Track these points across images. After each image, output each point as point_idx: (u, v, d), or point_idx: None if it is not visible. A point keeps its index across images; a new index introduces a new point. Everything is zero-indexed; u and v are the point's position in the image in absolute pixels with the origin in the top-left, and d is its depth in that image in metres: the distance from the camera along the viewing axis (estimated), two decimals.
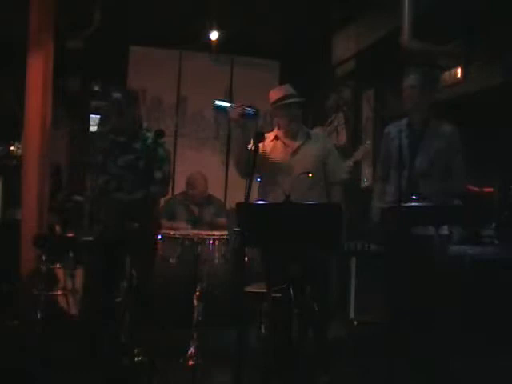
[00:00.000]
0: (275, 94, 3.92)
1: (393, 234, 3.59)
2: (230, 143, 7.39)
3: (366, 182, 6.35)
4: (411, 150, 3.70)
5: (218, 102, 3.77)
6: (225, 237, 4.29)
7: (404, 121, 3.83)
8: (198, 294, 4.17)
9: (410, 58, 5.64)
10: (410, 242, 3.48)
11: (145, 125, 4.11)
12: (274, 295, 3.54)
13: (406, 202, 3.41)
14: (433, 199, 3.51)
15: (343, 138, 7.04)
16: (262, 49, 7.30)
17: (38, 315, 4.89)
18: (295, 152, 3.87)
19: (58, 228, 5.62)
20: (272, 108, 3.95)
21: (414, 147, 3.70)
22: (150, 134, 4.00)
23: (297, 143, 3.90)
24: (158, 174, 3.99)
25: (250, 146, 3.74)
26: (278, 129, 3.96)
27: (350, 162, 4.16)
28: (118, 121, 4.00)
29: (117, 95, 3.95)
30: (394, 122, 3.90)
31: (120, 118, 3.98)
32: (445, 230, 3.67)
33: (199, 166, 6.35)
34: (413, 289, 3.51)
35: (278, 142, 3.93)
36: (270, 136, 3.91)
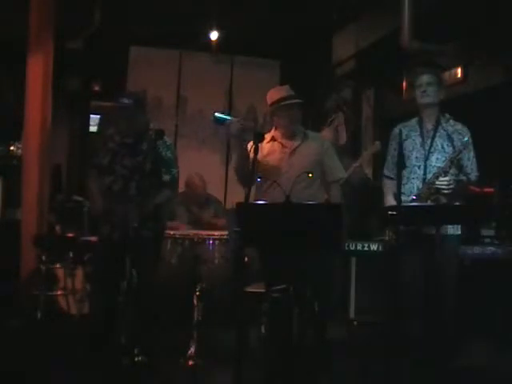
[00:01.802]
0: (275, 95, 3.90)
1: (401, 233, 3.59)
2: (229, 143, 7.39)
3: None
4: (427, 149, 3.72)
5: (217, 114, 3.73)
6: (225, 237, 4.29)
7: (414, 120, 3.83)
8: (197, 293, 4.18)
9: (409, 58, 5.65)
10: (420, 241, 3.51)
11: (151, 125, 4.11)
12: (273, 295, 3.54)
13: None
14: (452, 197, 3.55)
15: (343, 138, 7.05)
16: (262, 49, 7.31)
17: (38, 315, 4.89)
18: (293, 152, 3.87)
19: (57, 228, 5.62)
20: (271, 108, 3.92)
21: (430, 145, 3.72)
22: (154, 137, 4.01)
23: (295, 143, 3.89)
24: (166, 177, 3.99)
25: (248, 151, 3.75)
26: (276, 129, 3.95)
27: (357, 163, 4.16)
28: (127, 124, 4.01)
29: (126, 101, 3.95)
30: (403, 121, 3.89)
31: (129, 122, 4.00)
32: (457, 230, 3.68)
33: (199, 165, 6.36)
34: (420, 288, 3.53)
35: (276, 143, 3.92)
36: (267, 137, 3.90)
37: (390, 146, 3.92)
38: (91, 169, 4.20)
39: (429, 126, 3.76)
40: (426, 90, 3.72)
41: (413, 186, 3.68)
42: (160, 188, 3.98)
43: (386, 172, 3.95)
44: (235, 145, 3.87)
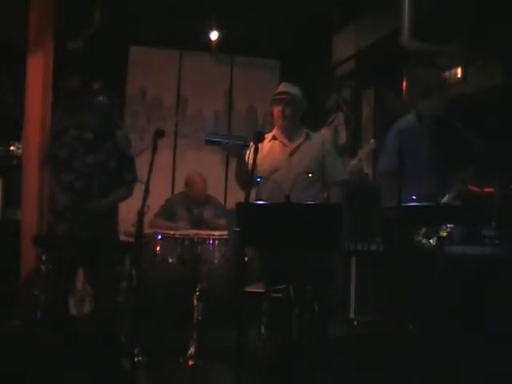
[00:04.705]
0: (276, 89, 3.97)
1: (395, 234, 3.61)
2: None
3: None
4: (435, 151, 3.74)
5: (208, 139, 3.75)
6: (225, 237, 4.29)
7: (413, 119, 3.83)
8: (197, 293, 4.18)
9: (409, 58, 5.65)
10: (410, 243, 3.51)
11: (119, 123, 4.11)
12: (273, 295, 3.54)
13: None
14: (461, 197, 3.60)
15: (343, 138, 7.05)
16: (262, 49, 7.30)
17: (38, 315, 4.89)
18: (293, 152, 3.88)
19: None
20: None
21: (437, 147, 3.75)
22: (120, 134, 4.05)
23: (295, 143, 3.90)
24: (128, 176, 4.01)
25: (248, 152, 3.75)
26: (277, 128, 3.97)
27: (354, 161, 4.16)
28: (92, 120, 3.96)
29: (103, 99, 3.95)
30: (402, 119, 3.90)
31: (98, 119, 3.95)
32: (433, 241, 3.70)
33: (199, 165, 6.36)
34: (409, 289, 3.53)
35: (276, 142, 3.93)
36: (268, 136, 3.92)
37: (393, 143, 3.88)
38: (47, 160, 4.06)
39: (431, 125, 3.79)
40: (438, 93, 3.77)
41: (424, 186, 3.70)
42: (120, 186, 3.99)
43: (389, 169, 3.89)
44: (234, 157, 3.91)
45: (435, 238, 3.60)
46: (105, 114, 3.96)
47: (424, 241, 3.61)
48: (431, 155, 3.74)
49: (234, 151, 3.78)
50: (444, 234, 3.61)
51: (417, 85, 3.88)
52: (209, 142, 3.73)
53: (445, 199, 3.69)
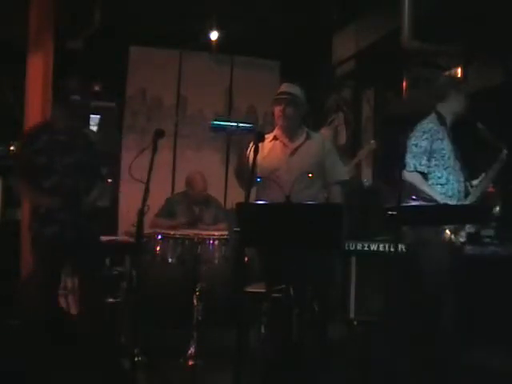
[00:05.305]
0: (277, 89, 3.98)
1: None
2: (229, 142, 7.39)
3: (366, 182, 6.35)
4: (459, 152, 3.77)
5: (216, 122, 3.73)
6: (225, 237, 4.29)
7: (434, 120, 3.83)
8: (197, 293, 4.17)
9: (409, 58, 5.66)
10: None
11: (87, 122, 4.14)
12: (273, 295, 3.54)
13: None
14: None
15: (343, 138, 7.05)
16: (262, 49, 7.31)
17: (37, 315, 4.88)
18: (294, 152, 3.87)
19: None
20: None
21: (457, 146, 3.77)
22: (88, 131, 4.12)
23: (296, 143, 3.90)
24: (104, 170, 4.05)
25: (248, 151, 3.75)
26: (278, 129, 3.97)
27: (353, 162, 4.18)
28: (64, 121, 3.96)
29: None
30: (423, 120, 3.90)
31: (68, 119, 3.96)
32: (462, 238, 3.71)
33: (199, 165, 6.35)
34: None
35: (277, 142, 3.93)
36: (269, 136, 3.92)
37: (421, 144, 3.79)
38: (24, 170, 3.94)
39: (450, 127, 3.82)
40: (459, 94, 3.81)
41: (453, 187, 3.71)
42: (101, 181, 4.03)
43: (416, 167, 3.77)
44: (235, 145, 3.91)
45: (463, 235, 3.63)
46: (73, 114, 3.97)
47: (453, 238, 3.63)
48: (455, 156, 3.75)
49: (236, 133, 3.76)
50: (472, 230, 3.65)
51: (433, 86, 3.86)
52: (216, 126, 3.70)
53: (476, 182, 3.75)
